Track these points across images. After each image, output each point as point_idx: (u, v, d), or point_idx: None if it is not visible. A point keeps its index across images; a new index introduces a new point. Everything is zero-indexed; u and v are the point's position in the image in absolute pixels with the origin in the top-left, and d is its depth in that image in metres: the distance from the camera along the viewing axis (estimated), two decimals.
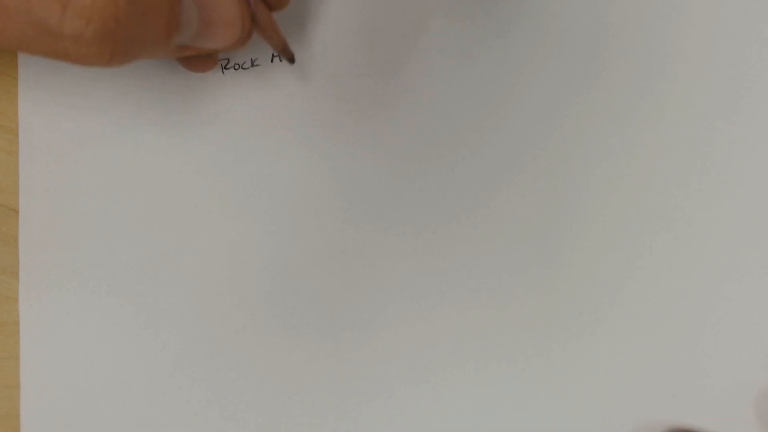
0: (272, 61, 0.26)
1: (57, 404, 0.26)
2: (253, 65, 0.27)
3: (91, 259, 0.27)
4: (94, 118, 0.27)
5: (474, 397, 0.26)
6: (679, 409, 0.25)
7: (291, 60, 0.24)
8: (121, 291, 0.26)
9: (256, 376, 0.26)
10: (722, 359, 0.25)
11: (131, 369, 0.26)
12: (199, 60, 0.23)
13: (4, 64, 0.27)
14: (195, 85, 0.26)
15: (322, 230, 0.26)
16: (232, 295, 0.26)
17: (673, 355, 0.25)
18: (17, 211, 0.27)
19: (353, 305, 0.26)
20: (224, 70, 0.27)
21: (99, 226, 0.27)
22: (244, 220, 0.27)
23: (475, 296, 0.26)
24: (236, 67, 0.27)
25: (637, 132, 0.26)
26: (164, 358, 0.26)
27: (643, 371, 0.26)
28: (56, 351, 0.26)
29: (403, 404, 0.26)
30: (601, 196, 0.26)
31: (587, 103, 0.26)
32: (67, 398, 0.26)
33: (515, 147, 0.26)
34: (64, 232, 0.27)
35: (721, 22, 0.26)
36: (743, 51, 0.26)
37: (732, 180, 0.26)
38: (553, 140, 0.26)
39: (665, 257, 0.26)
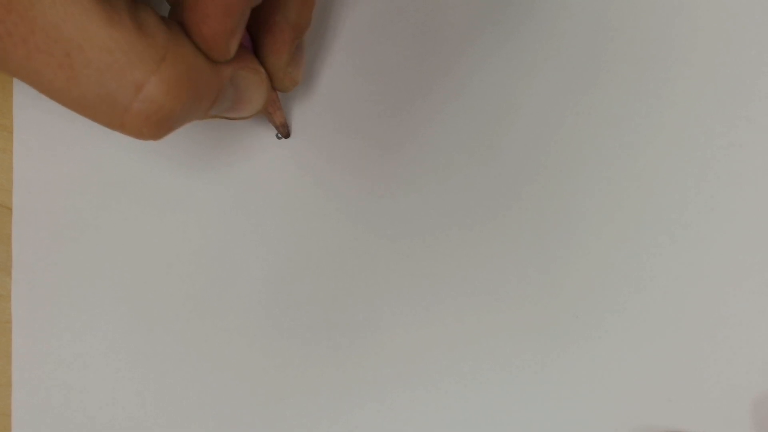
0: None
1: (49, 403, 0.26)
2: None
3: (84, 258, 0.26)
4: None
5: (469, 401, 0.26)
6: (676, 414, 0.25)
7: (286, 136, 0.26)
8: (114, 290, 0.26)
9: (249, 379, 0.26)
10: (719, 364, 0.25)
11: (124, 368, 0.26)
12: None
13: None
14: None
15: (317, 232, 0.26)
16: (226, 296, 0.26)
17: (669, 359, 0.25)
18: (11, 209, 0.27)
19: (348, 308, 0.26)
20: None
21: (93, 224, 0.26)
22: (239, 222, 0.26)
23: (471, 300, 0.26)
24: None
25: (635, 135, 0.26)
26: (157, 358, 0.26)
27: (640, 376, 0.25)
28: (49, 349, 0.26)
29: (398, 408, 0.26)
30: (598, 198, 0.26)
31: (584, 106, 0.26)
32: (60, 397, 0.26)
33: (512, 151, 0.26)
34: (58, 230, 0.26)
35: (721, 25, 0.26)
36: (743, 54, 0.25)
37: (730, 183, 0.25)
38: (549, 143, 0.26)
39: (662, 261, 0.25)
